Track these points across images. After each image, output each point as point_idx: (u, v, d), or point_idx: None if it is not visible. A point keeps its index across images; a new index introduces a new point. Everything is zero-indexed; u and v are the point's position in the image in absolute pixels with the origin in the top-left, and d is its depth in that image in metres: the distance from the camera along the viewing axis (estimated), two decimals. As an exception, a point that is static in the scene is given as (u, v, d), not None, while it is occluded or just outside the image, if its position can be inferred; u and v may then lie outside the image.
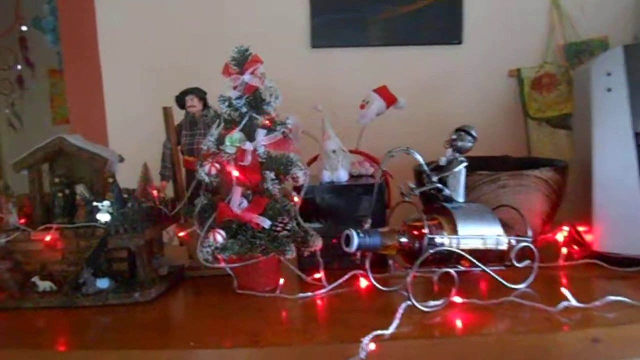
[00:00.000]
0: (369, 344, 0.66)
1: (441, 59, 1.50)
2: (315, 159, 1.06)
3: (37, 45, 2.75)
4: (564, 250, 0.96)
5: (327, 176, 0.99)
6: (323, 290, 0.87)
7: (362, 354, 0.65)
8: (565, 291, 0.75)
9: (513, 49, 1.51)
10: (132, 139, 1.39)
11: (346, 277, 0.89)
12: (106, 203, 0.92)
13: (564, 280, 0.88)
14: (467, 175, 0.92)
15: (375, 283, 0.85)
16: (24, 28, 2.63)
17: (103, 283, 0.89)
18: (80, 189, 0.97)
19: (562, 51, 1.50)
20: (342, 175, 0.98)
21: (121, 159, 1.01)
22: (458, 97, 1.51)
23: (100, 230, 0.91)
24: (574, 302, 0.73)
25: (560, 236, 1.06)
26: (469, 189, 0.94)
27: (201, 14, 1.45)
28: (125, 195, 0.92)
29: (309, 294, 0.86)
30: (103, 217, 0.91)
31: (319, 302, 0.85)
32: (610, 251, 0.90)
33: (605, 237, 0.91)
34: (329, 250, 0.92)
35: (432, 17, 1.48)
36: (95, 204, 0.93)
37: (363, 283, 0.88)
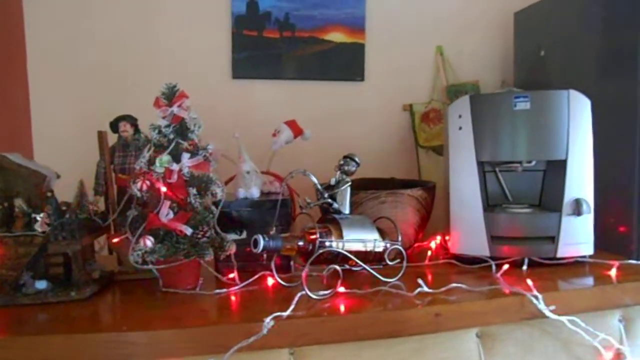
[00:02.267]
0: (270, 322, 0.84)
1: (346, 93, 1.72)
2: (232, 178, 1.24)
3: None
4: (429, 252, 1.21)
5: (242, 193, 1.17)
6: (236, 287, 1.05)
7: (265, 330, 0.84)
8: (420, 281, 0.98)
9: (407, 87, 1.77)
10: (58, 157, 1.45)
11: (256, 276, 1.08)
12: (43, 214, 1.04)
13: (428, 275, 1.12)
14: (355, 194, 1.15)
15: (279, 280, 1.04)
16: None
17: (41, 284, 1.01)
18: (18, 202, 1.07)
19: (445, 91, 1.78)
20: (255, 192, 1.18)
21: (58, 176, 1.13)
22: (360, 126, 1.73)
23: (38, 239, 1.02)
24: (425, 288, 0.97)
25: (433, 243, 1.31)
26: (357, 204, 1.17)
27: (133, 43, 1.56)
28: (63, 208, 1.05)
29: (224, 290, 1.03)
30: (40, 226, 1.04)
31: (232, 297, 1.02)
32: (461, 253, 1.16)
33: (458, 242, 1.16)
34: (244, 256, 1.10)
35: (339, 57, 1.71)
36: (33, 215, 1.05)
37: (270, 281, 1.07)
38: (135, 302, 1.01)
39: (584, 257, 1.13)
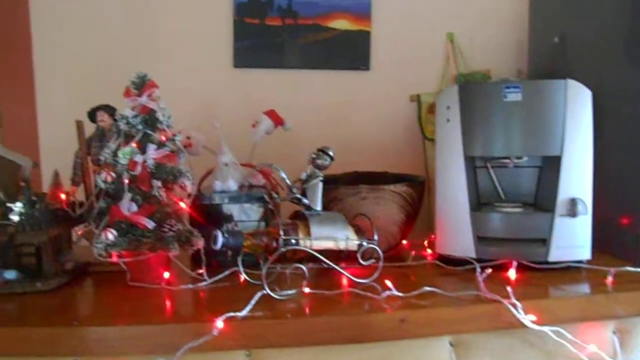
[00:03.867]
0: (219, 323, 0.81)
1: (351, 83, 1.66)
2: (211, 170, 1.21)
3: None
4: (413, 252, 1.15)
5: (218, 186, 1.14)
6: (204, 283, 1.01)
7: (215, 331, 0.81)
8: (388, 283, 0.92)
9: (415, 76, 1.69)
10: (62, 144, 1.48)
11: (227, 272, 1.05)
12: (19, 204, 1.04)
13: (410, 277, 1.05)
14: (335, 188, 1.09)
15: (246, 277, 1.00)
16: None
17: (10, 275, 1.01)
18: (-5, 191, 1.08)
19: (454, 80, 1.69)
20: (232, 185, 1.14)
21: (35, 165, 1.13)
22: (365, 117, 1.67)
23: (11, 228, 1.03)
24: (394, 291, 0.91)
25: (426, 242, 1.25)
26: (337, 200, 1.11)
27: (134, 32, 1.55)
28: (35, 198, 1.04)
29: (190, 285, 1.01)
30: (14, 217, 1.04)
31: (199, 293, 0.99)
32: (446, 253, 1.09)
33: (443, 242, 1.09)
34: (221, 250, 1.06)
35: (344, 45, 1.65)
36: (9, 205, 1.05)
37: (242, 278, 1.04)
38: (102, 296, 0.99)
39: (580, 262, 1.04)
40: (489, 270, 0.99)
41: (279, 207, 1.18)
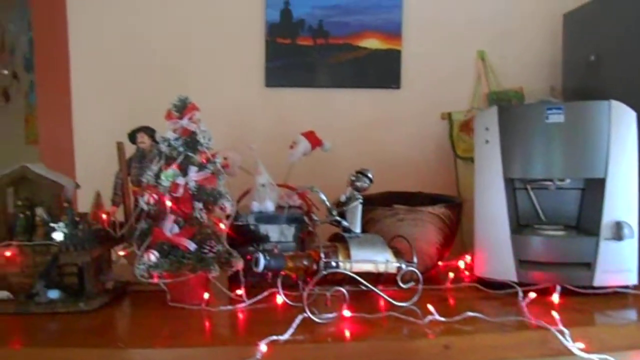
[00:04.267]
0: (263, 347, 0.81)
1: (381, 102, 1.66)
2: (248, 191, 1.22)
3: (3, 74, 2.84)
4: (451, 275, 1.13)
5: (256, 206, 1.15)
6: (243, 305, 1.02)
7: (258, 355, 0.81)
8: (430, 307, 0.91)
9: (445, 95, 1.68)
10: (98, 163, 1.51)
11: (265, 294, 1.05)
12: (61, 224, 1.06)
13: (449, 300, 1.04)
14: (372, 210, 1.09)
15: (285, 299, 1.00)
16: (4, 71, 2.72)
17: (54, 294, 1.02)
18: (40, 211, 1.10)
19: (486, 98, 1.68)
20: (269, 206, 1.15)
21: (77, 186, 1.15)
22: (396, 135, 1.67)
23: (54, 248, 1.04)
24: (437, 316, 0.90)
25: (462, 263, 1.23)
26: (374, 221, 1.11)
27: (168, 53, 1.59)
28: (78, 219, 1.06)
29: (230, 307, 1.01)
30: (58, 236, 1.05)
31: (239, 314, 0.99)
32: (486, 276, 1.07)
33: (482, 264, 1.08)
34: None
35: (374, 64, 1.65)
36: (52, 225, 1.07)
37: (280, 299, 1.03)
38: (142, 316, 1.00)
39: (627, 287, 1.01)
40: (533, 295, 0.97)
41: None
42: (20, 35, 2.00)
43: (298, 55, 1.64)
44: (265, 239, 1.13)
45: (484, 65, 1.70)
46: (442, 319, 0.90)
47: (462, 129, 1.69)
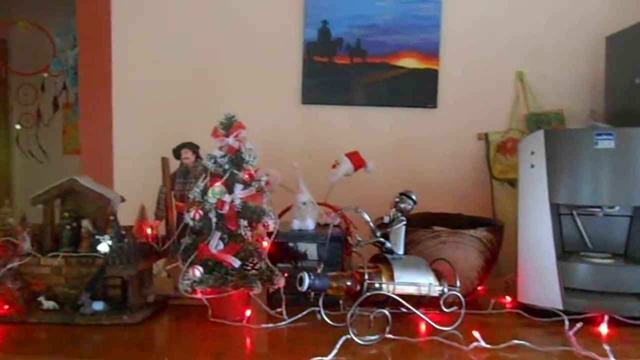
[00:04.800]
0: (308, 367, 0.81)
1: (418, 121, 1.66)
2: (289, 208, 1.23)
3: (52, 86, 2.96)
4: (493, 300, 1.11)
5: (296, 224, 1.15)
6: (283, 323, 1.02)
7: (302, 376, 0.80)
8: (476, 334, 0.90)
9: (482, 115, 1.66)
10: (135, 177, 1.55)
11: (304, 312, 1.04)
12: (106, 237, 1.08)
13: (490, 326, 1.02)
14: (413, 231, 1.08)
15: (326, 318, 1.00)
16: (45, 75, 2.84)
17: (98, 305, 1.04)
18: (85, 223, 1.13)
19: (525, 120, 1.66)
20: (310, 224, 1.15)
21: (122, 199, 1.18)
22: (432, 156, 1.66)
23: (99, 260, 1.07)
24: (482, 343, 0.88)
25: (501, 288, 1.21)
26: (414, 242, 1.10)
27: (207, 69, 1.62)
28: (123, 232, 1.08)
29: (271, 325, 1.01)
30: (103, 248, 1.08)
31: (279, 332, 1.00)
32: (530, 303, 1.05)
33: (526, 290, 1.06)
34: (297, 289, 1.07)
35: (411, 83, 1.65)
36: (97, 237, 1.10)
37: (319, 318, 1.03)
38: (184, 331, 1.01)
39: (678, 319, 0.98)
40: (580, 324, 0.94)
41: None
42: (67, 49, 2.07)
43: (335, 74, 1.65)
44: (304, 257, 1.13)
45: (523, 86, 1.68)
46: (488, 345, 0.88)
47: (499, 150, 1.68)
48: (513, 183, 1.61)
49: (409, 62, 1.66)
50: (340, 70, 1.65)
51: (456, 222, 1.28)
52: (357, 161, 1.24)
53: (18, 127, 2.94)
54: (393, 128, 1.65)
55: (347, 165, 1.22)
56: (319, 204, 1.20)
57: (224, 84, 1.62)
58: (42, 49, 2.76)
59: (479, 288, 1.20)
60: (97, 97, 1.68)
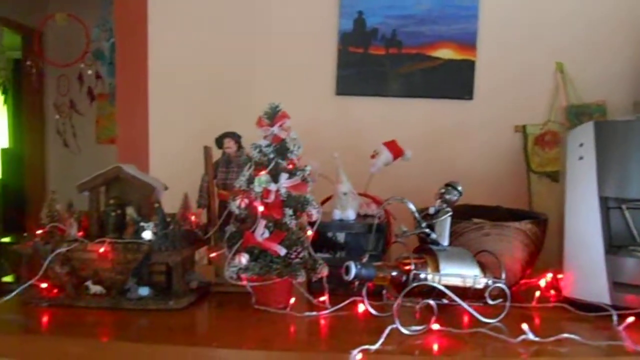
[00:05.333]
0: (356, 355, 0.81)
1: (453, 112, 1.64)
2: (329, 198, 1.23)
3: (87, 77, 3.02)
4: (537, 293, 1.10)
5: (337, 214, 1.16)
6: (326, 311, 1.02)
7: (351, 363, 0.81)
8: (524, 327, 0.89)
9: (520, 107, 1.64)
10: (171, 166, 1.57)
11: (347, 302, 1.05)
12: (151, 224, 1.10)
13: (534, 319, 1.01)
14: (456, 223, 1.08)
15: (369, 308, 1.00)
16: (81, 65, 2.90)
17: (144, 291, 1.06)
18: (130, 210, 1.14)
19: (565, 112, 1.63)
20: (351, 215, 1.15)
21: (165, 188, 1.19)
22: (467, 148, 1.64)
23: (144, 247, 1.08)
24: (531, 336, 0.87)
25: (543, 281, 1.19)
26: (456, 234, 1.10)
27: (242, 61, 1.63)
28: (168, 219, 1.10)
29: (314, 313, 1.02)
30: (147, 235, 1.10)
31: (322, 321, 1.00)
32: (576, 297, 1.04)
33: (572, 284, 1.04)
34: (335, 278, 1.07)
35: (446, 74, 1.64)
36: (142, 224, 1.11)
37: (360, 308, 1.04)
38: (228, 317, 1.02)
39: None
40: (631, 319, 0.93)
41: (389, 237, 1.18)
42: (103, 40, 2.11)
43: (370, 64, 1.64)
44: (343, 247, 1.14)
45: (563, 77, 1.65)
46: (536, 338, 0.87)
47: (537, 143, 1.65)
48: (552, 176, 1.59)
49: (446, 53, 1.64)
50: (375, 61, 1.64)
51: (495, 214, 1.26)
52: (396, 150, 1.24)
53: (57, 117, 3.01)
54: (428, 119, 1.64)
55: (386, 154, 1.21)
56: (361, 194, 1.20)
57: (258, 74, 1.63)
58: (78, 41, 2.82)
59: (522, 281, 1.19)
60: (134, 88, 1.70)
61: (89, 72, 2.80)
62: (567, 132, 1.09)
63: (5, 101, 3.77)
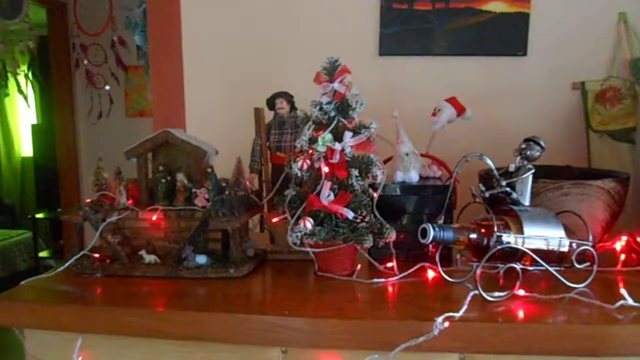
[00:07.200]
0: (443, 323, 0.75)
1: (505, 70, 1.54)
2: (388, 160, 1.16)
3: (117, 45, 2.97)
4: (623, 256, 1.02)
5: (400, 176, 1.08)
6: (394, 278, 0.96)
7: (436, 331, 0.75)
8: (623, 291, 0.82)
9: (578, 62, 1.53)
10: (206, 136, 1.52)
11: (416, 267, 0.99)
12: (203, 190, 1.05)
13: (621, 284, 0.94)
14: (532, 182, 1.00)
15: (443, 274, 0.94)
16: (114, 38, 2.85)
17: (201, 259, 1.01)
18: (180, 176, 1.09)
19: (628, 66, 1.52)
20: (414, 177, 1.08)
21: (216, 152, 1.13)
22: (521, 107, 1.55)
23: (198, 213, 1.03)
24: (630, 301, 0.80)
25: (618, 245, 1.11)
26: (533, 195, 1.02)
27: (279, 22, 1.55)
28: (223, 184, 1.04)
29: (382, 279, 0.96)
30: (200, 202, 1.04)
31: (390, 287, 0.94)
32: (667, 260, 0.96)
33: (661, 246, 0.96)
34: (399, 243, 1.01)
35: (498, 29, 1.53)
36: (193, 190, 1.06)
37: (430, 274, 0.98)
38: (290, 285, 0.97)
39: None
40: None
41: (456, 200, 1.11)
42: (134, 7, 2.04)
43: (415, 21, 1.55)
44: (409, 210, 1.07)
45: (626, 28, 1.53)
46: (636, 304, 0.80)
47: (597, 100, 1.56)
48: (615, 135, 1.50)
49: (497, 6, 1.53)
50: (420, 17, 1.54)
51: (565, 174, 1.18)
52: (458, 106, 1.16)
53: (87, 89, 2.97)
54: (479, 78, 1.54)
55: (449, 111, 1.13)
56: (422, 155, 1.13)
57: (296, 35, 1.54)
58: (101, 10, 2.78)
59: (598, 245, 1.11)
60: (168, 59, 1.64)
61: (114, 38, 2.75)
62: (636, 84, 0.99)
63: (35, 77, 3.76)
